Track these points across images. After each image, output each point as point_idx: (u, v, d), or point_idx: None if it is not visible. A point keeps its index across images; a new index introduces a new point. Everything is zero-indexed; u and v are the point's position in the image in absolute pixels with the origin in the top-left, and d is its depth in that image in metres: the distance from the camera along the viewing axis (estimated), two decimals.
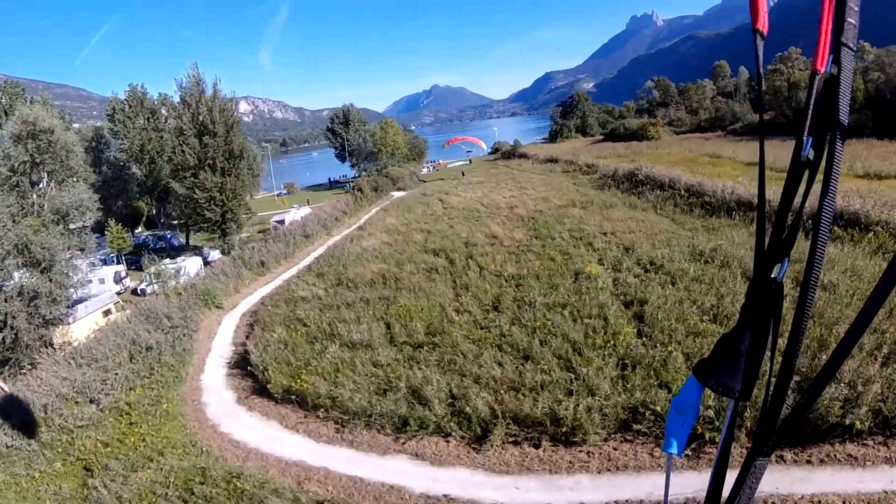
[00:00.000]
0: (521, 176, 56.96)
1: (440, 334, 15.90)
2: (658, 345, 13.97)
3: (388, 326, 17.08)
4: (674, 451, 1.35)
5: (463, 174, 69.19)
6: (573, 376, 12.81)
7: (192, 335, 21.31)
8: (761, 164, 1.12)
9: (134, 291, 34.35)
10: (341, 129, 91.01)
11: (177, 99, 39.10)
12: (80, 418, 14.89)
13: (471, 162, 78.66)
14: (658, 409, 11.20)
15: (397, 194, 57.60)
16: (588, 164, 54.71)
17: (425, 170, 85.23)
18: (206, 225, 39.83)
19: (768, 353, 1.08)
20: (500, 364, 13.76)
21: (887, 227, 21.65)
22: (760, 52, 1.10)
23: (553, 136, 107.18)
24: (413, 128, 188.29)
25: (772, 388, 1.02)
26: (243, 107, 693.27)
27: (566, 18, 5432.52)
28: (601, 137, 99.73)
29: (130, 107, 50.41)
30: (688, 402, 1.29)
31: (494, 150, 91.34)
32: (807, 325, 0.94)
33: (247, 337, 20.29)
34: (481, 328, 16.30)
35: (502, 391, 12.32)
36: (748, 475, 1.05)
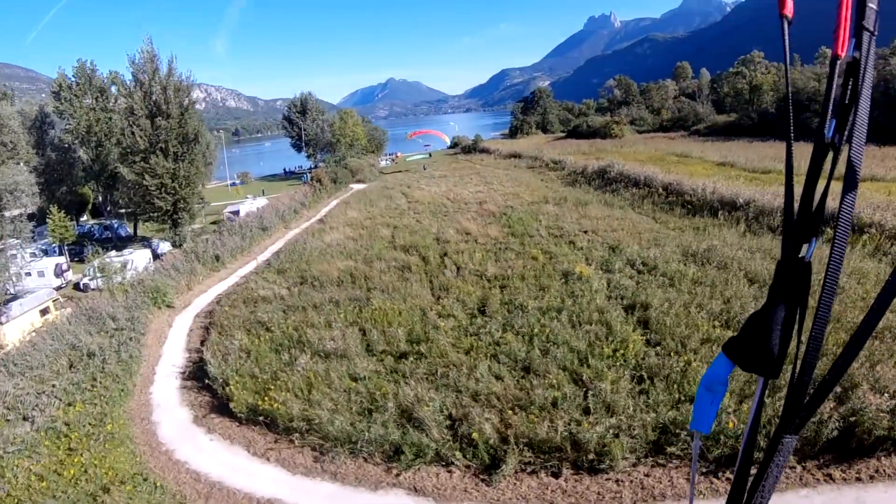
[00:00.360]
0: (485, 171, 55.88)
1: (424, 342, 14.27)
2: (671, 353, 12.87)
3: (364, 332, 15.35)
4: (702, 428, 1.43)
5: (425, 167, 67.97)
6: (585, 391, 11.55)
7: (140, 339, 18.91)
8: (788, 149, 1.13)
9: (76, 286, 31.50)
10: (298, 118, 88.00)
11: (128, 77, 35.91)
12: (11, 441, 12.52)
13: (430, 156, 77.26)
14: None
15: (357, 187, 55.57)
16: (554, 160, 54.09)
17: (384, 162, 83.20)
18: (156, 214, 36.77)
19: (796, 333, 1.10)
20: (498, 377, 12.31)
21: (881, 229, 21.43)
22: (787, 38, 1.11)
23: (513, 132, 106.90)
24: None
25: (798, 366, 1.06)
26: (196, 94, 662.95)
27: (524, 16, 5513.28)
28: (563, 134, 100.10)
29: (78, 84, 46.54)
30: (717, 380, 1.32)
31: (454, 145, 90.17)
32: (833, 302, 0.98)
33: (202, 342, 18.17)
34: (470, 335, 14.79)
35: (508, 410, 10.89)
36: (776, 452, 1.10)
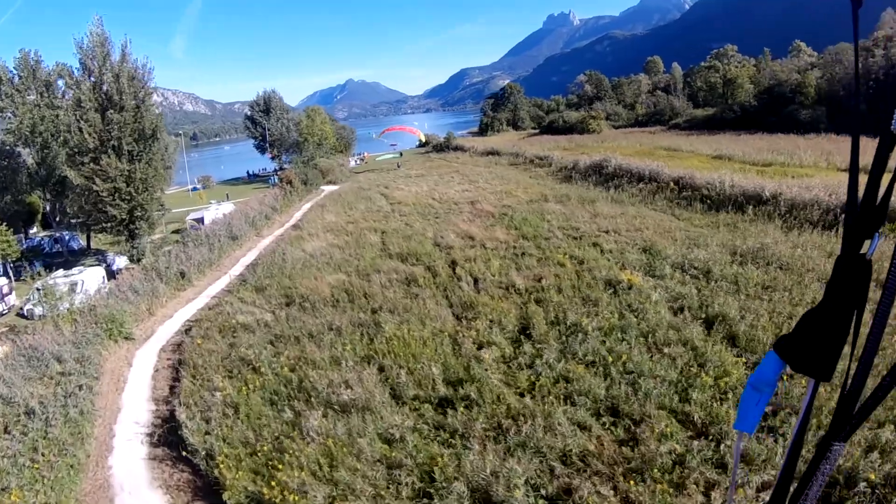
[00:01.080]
0: (465, 169, 53.11)
1: (468, 382, 11.20)
2: (784, 378, 10.16)
3: (382, 370, 12.26)
4: (746, 428, 1.42)
5: (399, 166, 65.49)
6: (707, 437, 8.76)
7: (93, 386, 14.79)
8: (855, 142, 1.10)
9: (20, 312, 26.87)
10: (262, 118, 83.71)
11: (77, 67, 31.05)
12: None
13: (401, 155, 74.26)
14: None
15: (329, 188, 52.02)
16: (539, 156, 51.72)
17: (353, 162, 79.80)
18: (109, 224, 31.88)
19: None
20: (583, 427, 9.39)
21: None
22: (857, 21, 1.09)
23: (484, 129, 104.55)
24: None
25: (852, 370, 1.03)
26: (153, 97, 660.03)
27: (484, 15, 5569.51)
28: (535, 131, 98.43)
29: (20, 78, 42.04)
30: (765, 380, 1.32)
31: (424, 144, 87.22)
32: (894, 302, 0.98)
33: (171, 389, 14.60)
34: (524, 367, 11.83)
35: (620, 477, 7.96)
36: (823, 459, 1.07)
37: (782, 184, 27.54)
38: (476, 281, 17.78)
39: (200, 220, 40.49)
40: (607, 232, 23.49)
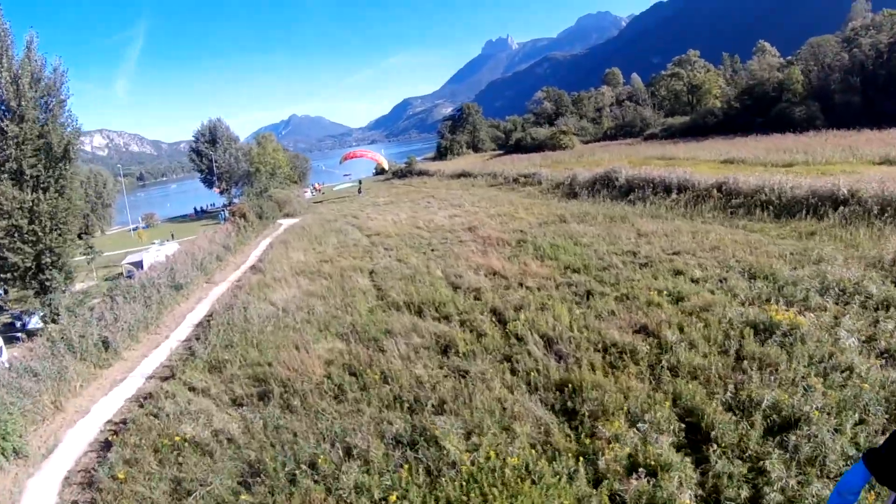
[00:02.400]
0: (439, 193, 47.73)
1: None
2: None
3: None
4: None
5: (360, 192, 61.12)
6: None
7: None
8: None
9: None
10: (207, 149, 76.50)
11: None
12: None
13: (360, 182, 68.76)
14: None
15: (288, 221, 45.61)
16: (523, 174, 46.87)
17: (308, 193, 73.62)
18: (10, 275, 23.99)
19: None
20: None
21: None
22: None
23: (443, 153, 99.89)
24: None
25: None
26: (98, 140, 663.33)
27: (421, 44, 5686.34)
28: (500, 152, 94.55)
29: None
30: (850, 489, 1.37)
31: (380, 171, 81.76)
32: None
33: None
34: None
35: None
36: None
37: (851, 180, 23.31)
38: (550, 342, 12.10)
39: (139, 265, 33.68)
40: (677, 254, 18.32)
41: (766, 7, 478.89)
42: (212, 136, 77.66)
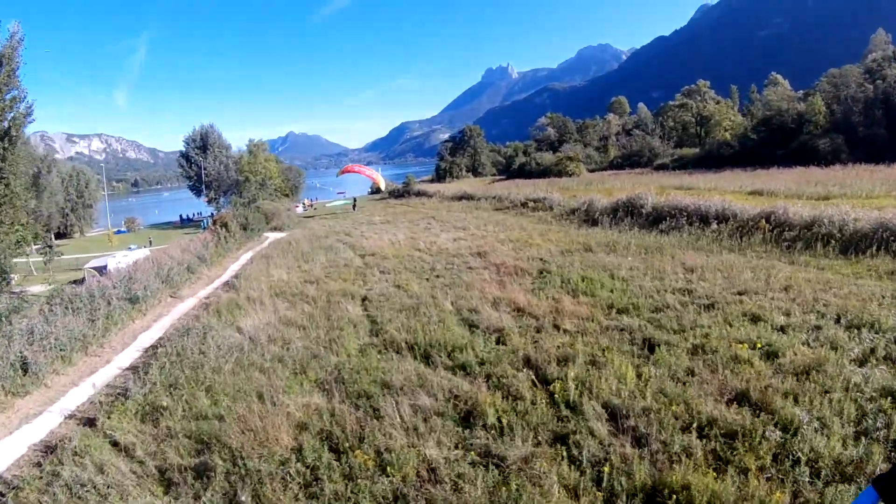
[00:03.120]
0: (440, 214, 44.57)
1: None
2: None
3: None
4: None
5: (354, 207, 59.06)
6: None
7: None
8: None
9: None
10: (198, 156, 73.16)
11: None
12: None
13: (355, 200, 65.69)
14: None
15: (274, 235, 42.30)
16: (532, 198, 43.84)
17: (299, 208, 70.35)
18: None
19: None
20: None
21: None
22: None
23: (441, 175, 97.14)
24: None
25: None
26: (96, 144, 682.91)
27: (422, 69, 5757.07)
28: (501, 177, 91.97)
29: None
30: None
31: (376, 191, 78.78)
32: None
33: None
34: None
35: None
36: None
37: None
38: (616, 414, 8.72)
39: (102, 269, 30.19)
40: (742, 294, 15.04)
41: (768, 44, 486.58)
42: (203, 143, 74.39)
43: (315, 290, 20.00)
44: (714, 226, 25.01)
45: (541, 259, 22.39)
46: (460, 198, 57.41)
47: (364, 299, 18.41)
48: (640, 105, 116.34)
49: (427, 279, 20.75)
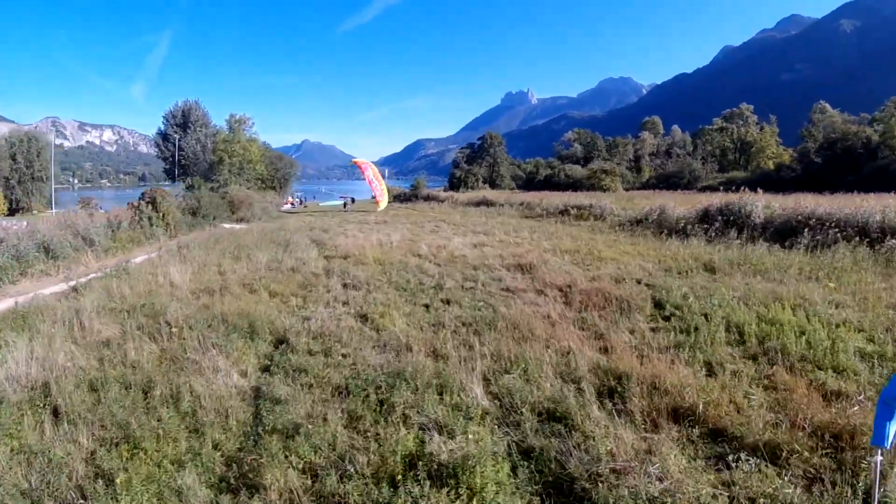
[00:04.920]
0: (453, 218, 34.23)
1: None
2: None
3: None
4: (880, 442, 1.63)
5: (346, 207, 52.61)
6: None
7: None
8: None
9: None
10: (176, 134, 62.64)
11: None
12: None
13: (353, 201, 56.15)
14: None
15: (232, 227, 32.12)
16: (576, 205, 33.71)
17: (287, 205, 61.36)
18: None
19: None
20: None
21: None
22: None
23: (456, 185, 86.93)
24: None
25: None
26: (108, 135, 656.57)
27: (441, 88, 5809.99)
28: (521, 191, 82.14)
29: None
30: (894, 396, 1.47)
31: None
32: None
33: None
34: None
35: None
36: None
37: None
38: None
39: None
40: None
41: (791, 88, 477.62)
42: (184, 120, 63.88)
43: (202, 305, 9.95)
44: (889, 241, 15.04)
45: (638, 281, 12.26)
46: (478, 203, 47.48)
47: (279, 344, 8.33)
48: (675, 127, 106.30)
49: (426, 305, 10.64)
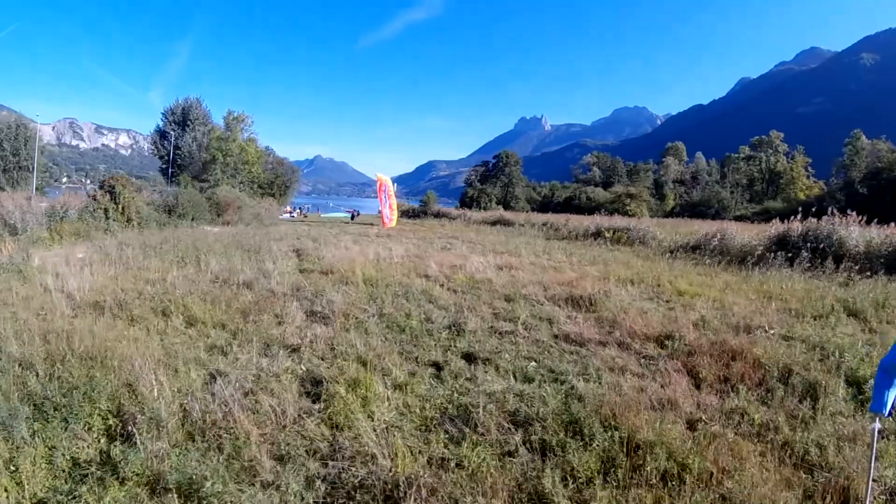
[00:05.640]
0: (467, 235, 29.80)
1: None
2: None
3: None
4: (879, 409, 1.64)
5: (353, 217, 50.82)
6: None
7: None
8: None
9: None
10: (174, 132, 57.97)
11: None
12: None
13: (359, 213, 52.13)
14: None
15: (213, 229, 26.75)
16: (611, 227, 29.29)
17: (286, 214, 56.07)
18: None
19: None
20: None
21: None
22: None
23: (467, 204, 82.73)
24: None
25: None
26: (123, 139, 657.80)
27: (455, 111, 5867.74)
28: (536, 212, 78.08)
29: None
30: (894, 364, 1.38)
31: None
32: None
33: None
34: None
35: None
36: None
37: None
38: None
39: None
40: None
41: (808, 121, 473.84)
42: (183, 117, 59.08)
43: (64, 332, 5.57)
44: None
45: (765, 329, 7.79)
46: (494, 222, 43.15)
47: (120, 436, 3.84)
48: (698, 154, 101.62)
49: (436, 364, 6.21)
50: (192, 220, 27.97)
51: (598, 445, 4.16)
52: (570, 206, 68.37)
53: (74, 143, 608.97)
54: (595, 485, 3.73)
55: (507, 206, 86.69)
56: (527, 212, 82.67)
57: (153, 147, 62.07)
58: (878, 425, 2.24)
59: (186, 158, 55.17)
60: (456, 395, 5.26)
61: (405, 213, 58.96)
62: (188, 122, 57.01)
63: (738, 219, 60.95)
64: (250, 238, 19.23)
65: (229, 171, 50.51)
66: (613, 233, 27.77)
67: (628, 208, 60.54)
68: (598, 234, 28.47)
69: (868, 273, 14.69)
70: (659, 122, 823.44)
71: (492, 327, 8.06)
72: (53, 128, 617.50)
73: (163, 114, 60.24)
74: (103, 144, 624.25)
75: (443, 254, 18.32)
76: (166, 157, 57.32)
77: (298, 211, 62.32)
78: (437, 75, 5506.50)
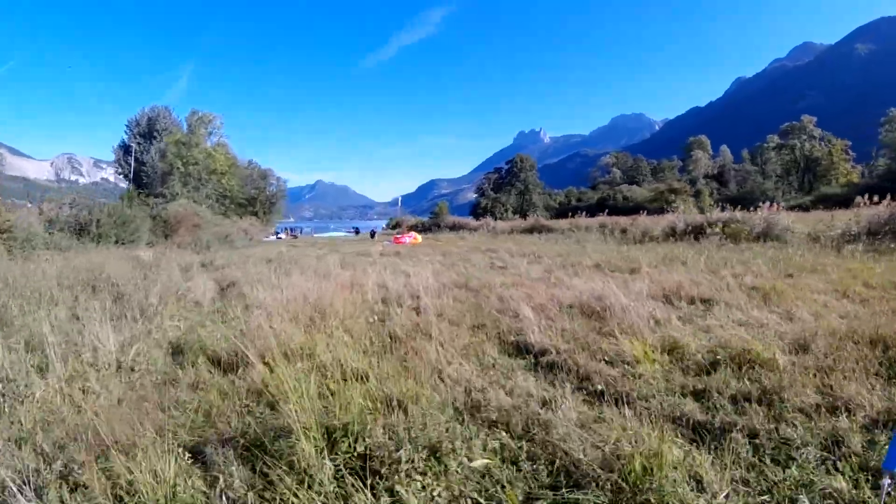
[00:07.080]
0: (506, 246, 21.62)
1: None
2: None
3: None
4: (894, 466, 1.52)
5: (358, 232, 46.41)
6: None
7: None
8: None
9: None
10: (138, 145, 49.58)
11: None
12: None
13: (358, 232, 44.13)
14: None
15: (138, 254, 18.41)
16: (717, 220, 20.89)
17: (274, 236, 46.75)
18: None
19: None
20: None
21: None
22: None
23: (479, 215, 74.71)
24: (291, 219, 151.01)
25: None
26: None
27: (454, 128, 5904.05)
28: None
29: None
30: None
31: (395, 225, 56.63)
32: None
33: None
34: None
35: None
36: None
37: None
38: None
39: None
40: None
41: (809, 111, 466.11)
42: (149, 129, 51.89)
43: None
44: None
45: None
46: (523, 231, 35.18)
47: None
48: (723, 147, 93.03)
49: None
50: (116, 242, 19.94)
51: None
52: (604, 207, 60.42)
53: (73, 178, 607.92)
54: None
55: (524, 215, 78.89)
56: (546, 219, 74.52)
57: (116, 165, 53.52)
58: (888, 481, 2.04)
59: (151, 174, 46.40)
60: None
61: (413, 228, 50.64)
62: (154, 134, 48.43)
63: (793, 208, 53.17)
64: (151, 266, 10.77)
65: (192, 182, 41.80)
66: (723, 226, 19.41)
67: (672, 203, 52.73)
68: (699, 232, 20.06)
69: None
70: (657, 127, 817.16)
71: None
72: (52, 164, 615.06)
73: (126, 125, 51.65)
74: (102, 178, 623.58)
75: (502, 276, 9.84)
76: (129, 174, 48.59)
77: (287, 231, 53.20)
78: (435, 95, 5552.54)
